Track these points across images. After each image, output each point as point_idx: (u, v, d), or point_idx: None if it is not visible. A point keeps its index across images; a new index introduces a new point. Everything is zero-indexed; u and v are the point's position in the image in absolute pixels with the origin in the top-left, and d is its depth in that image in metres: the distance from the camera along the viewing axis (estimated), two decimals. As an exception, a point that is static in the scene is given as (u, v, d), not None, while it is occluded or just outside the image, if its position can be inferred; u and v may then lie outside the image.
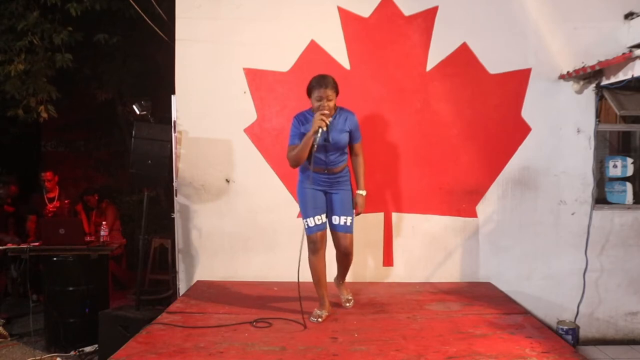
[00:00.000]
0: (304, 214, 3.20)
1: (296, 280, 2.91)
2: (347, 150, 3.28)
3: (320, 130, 2.98)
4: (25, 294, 4.96)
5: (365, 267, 4.20)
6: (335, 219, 3.19)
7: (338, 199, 3.19)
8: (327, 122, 3.00)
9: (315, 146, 2.99)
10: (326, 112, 3.01)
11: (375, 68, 4.14)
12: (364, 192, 3.27)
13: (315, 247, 3.14)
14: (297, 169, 3.28)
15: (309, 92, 3.13)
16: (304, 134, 3.07)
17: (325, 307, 3.21)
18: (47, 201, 5.35)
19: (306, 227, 3.16)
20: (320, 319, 3.15)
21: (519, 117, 4.17)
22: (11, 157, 6.81)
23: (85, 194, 5.95)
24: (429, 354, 2.66)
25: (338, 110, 3.19)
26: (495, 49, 4.13)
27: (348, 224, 3.18)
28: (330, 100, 3.05)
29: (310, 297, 3.29)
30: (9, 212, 5.61)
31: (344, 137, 3.16)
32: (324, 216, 3.18)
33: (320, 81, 3.06)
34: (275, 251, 4.14)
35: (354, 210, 3.27)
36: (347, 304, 3.48)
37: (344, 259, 3.32)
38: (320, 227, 3.15)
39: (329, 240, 3.26)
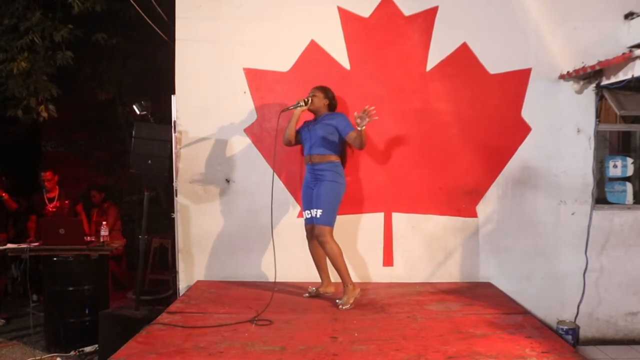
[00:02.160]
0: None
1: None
2: (333, 148, 3.56)
3: (297, 102, 3.59)
4: (25, 294, 4.96)
5: (365, 267, 4.20)
6: (313, 212, 3.56)
7: (314, 193, 3.57)
8: (307, 100, 3.59)
9: (295, 110, 3.61)
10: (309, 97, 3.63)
11: (375, 68, 4.14)
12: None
13: (307, 236, 3.73)
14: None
15: None
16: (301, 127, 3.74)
17: (322, 287, 3.74)
18: (47, 201, 5.34)
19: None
20: (309, 294, 3.69)
21: (519, 117, 4.17)
22: (11, 157, 6.80)
23: (93, 188, 5.97)
24: (429, 354, 2.66)
25: (328, 113, 3.67)
26: (495, 49, 4.14)
27: (318, 216, 3.51)
28: (315, 96, 3.63)
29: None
30: (11, 209, 5.58)
31: (328, 128, 3.56)
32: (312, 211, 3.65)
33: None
34: (275, 251, 4.13)
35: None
36: (340, 304, 3.44)
37: (322, 248, 3.59)
38: (308, 221, 3.67)
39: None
